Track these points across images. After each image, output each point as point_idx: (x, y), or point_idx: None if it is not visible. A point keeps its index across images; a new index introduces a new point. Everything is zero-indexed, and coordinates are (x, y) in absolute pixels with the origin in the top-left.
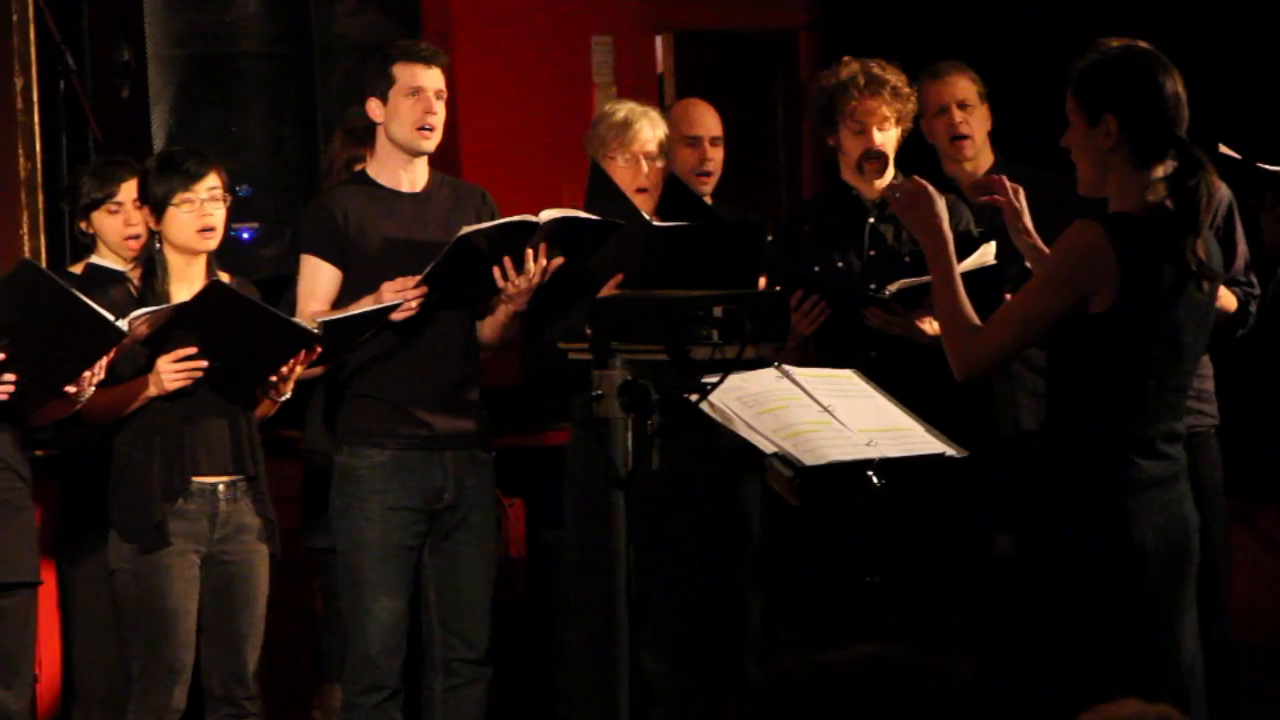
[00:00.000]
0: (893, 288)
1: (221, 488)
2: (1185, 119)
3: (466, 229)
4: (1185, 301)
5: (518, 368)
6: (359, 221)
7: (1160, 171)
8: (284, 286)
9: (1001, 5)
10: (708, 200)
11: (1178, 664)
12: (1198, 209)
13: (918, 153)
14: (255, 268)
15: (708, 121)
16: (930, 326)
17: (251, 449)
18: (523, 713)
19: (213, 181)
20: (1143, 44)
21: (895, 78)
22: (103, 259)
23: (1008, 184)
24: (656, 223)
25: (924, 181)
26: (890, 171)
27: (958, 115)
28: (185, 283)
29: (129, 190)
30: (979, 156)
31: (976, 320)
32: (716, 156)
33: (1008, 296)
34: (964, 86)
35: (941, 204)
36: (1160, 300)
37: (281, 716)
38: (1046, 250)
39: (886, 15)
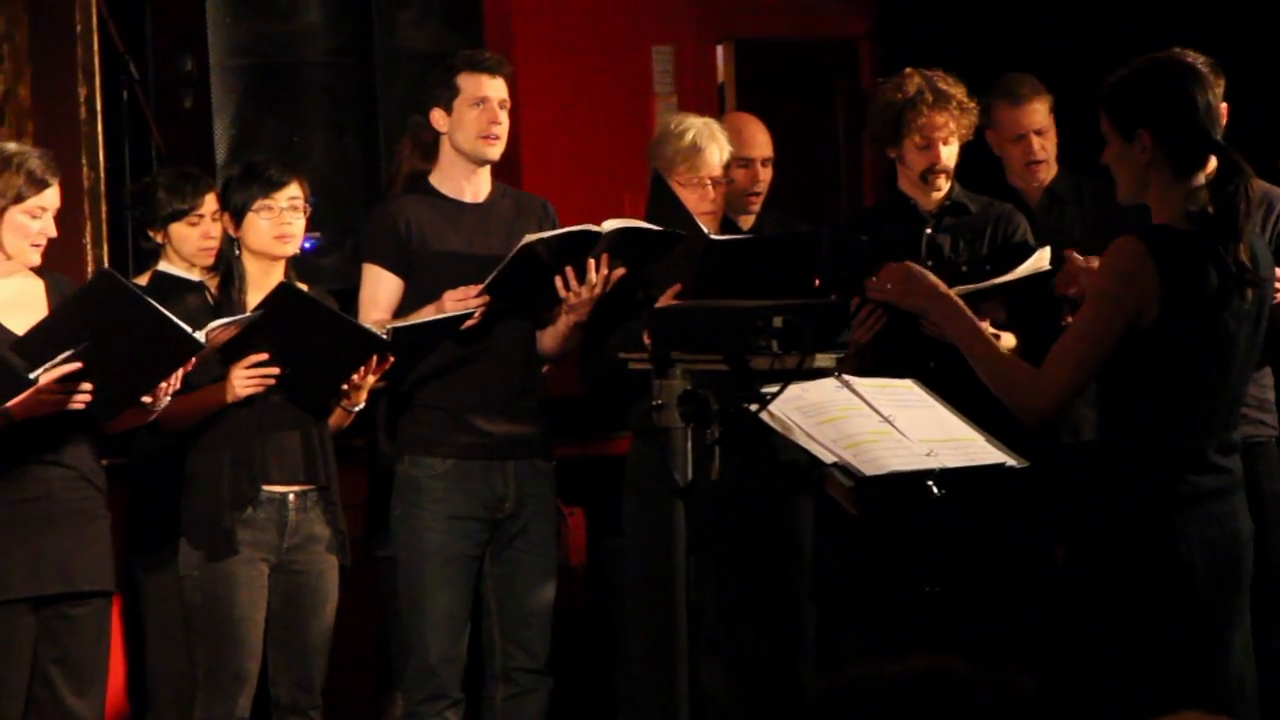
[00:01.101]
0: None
1: (292, 497)
2: (1220, 126)
3: (530, 238)
4: (1233, 311)
5: (577, 377)
6: (421, 231)
7: (1200, 179)
8: (347, 299)
9: (1061, 12)
10: (749, 220)
11: (1225, 677)
12: (1237, 215)
13: (979, 162)
14: (316, 277)
15: (760, 141)
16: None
17: (324, 459)
18: None
19: (294, 191)
20: (1172, 55)
21: (959, 91)
22: (170, 267)
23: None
24: (714, 235)
25: (898, 265)
26: (947, 184)
27: (1036, 143)
28: (262, 291)
29: (210, 203)
30: (1046, 174)
31: (1025, 365)
32: (766, 177)
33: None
34: (1041, 113)
35: (927, 275)
36: (1204, 311)
37: None
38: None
39: (946, 24)
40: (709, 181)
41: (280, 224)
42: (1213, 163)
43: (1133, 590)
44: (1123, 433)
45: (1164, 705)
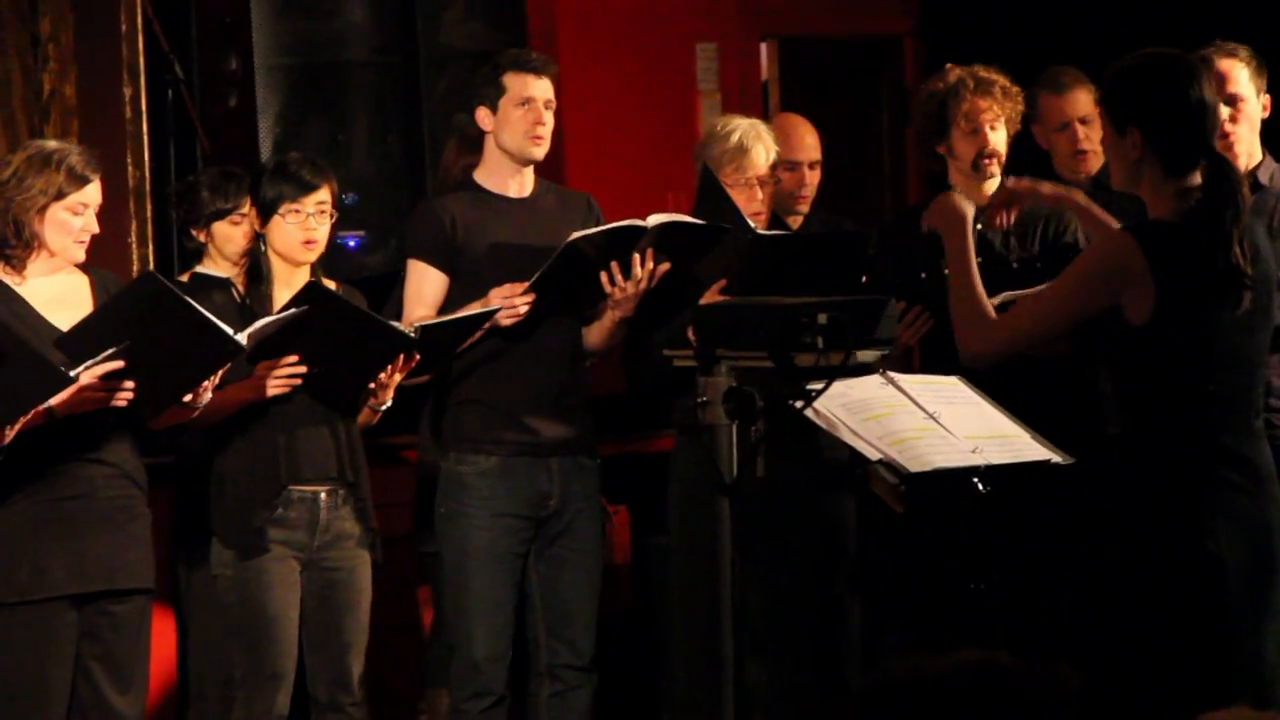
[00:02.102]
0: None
1: (323, 495)
2: (1216, 125)
3: (575, 235)
4: (1231, 304)
5: (622, 374)
6: (467, 227)
7: (1195, 178)
8: (388, 284)
9: (1106, 7)
10: (798, 220)
11: (1258, 673)
12: (1224, 221)
13: (1027, 155)
14: (359, 275)
15: (808, 144)
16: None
17: (352, 457)
18: (628, 719)
19: (322, 196)
20: (1172, 51)
21: (1002, 79)
22: (209, 268)
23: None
24: (761, 231)
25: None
26: (999, 174)
27: (1080, 131)
28: (289, 289)
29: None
30: (1094, 164)
31: (987, 309)
32: (814, 180)
33: None
34: (1085, 101)
35: (953, 196)
36: (1201, 305)
37: None
38: (1080, 197)
39: (990, 20)
40: (756, 182)
41: (305, 229)
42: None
43: (1163, 587)
44: (1139, 431)
45: (1198, 701)
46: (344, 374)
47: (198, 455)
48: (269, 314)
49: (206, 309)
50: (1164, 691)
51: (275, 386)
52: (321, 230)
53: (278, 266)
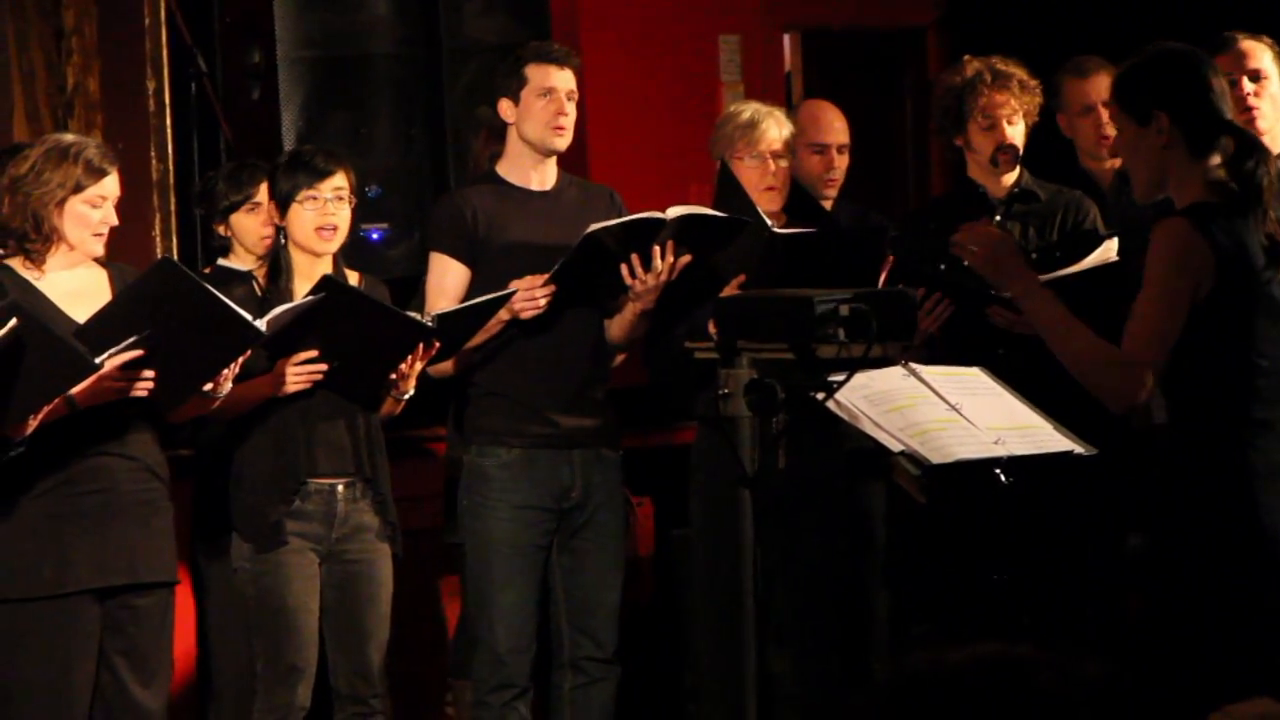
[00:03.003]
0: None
1: (340, 488)
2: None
3: (594, 226)
4: (1271, 276)
5: (643, 367)
6: (489, 220)
7: (1216, 160)
8: (412, 287)
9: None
10: (828, 205)
11: None
12: (1261, 190)
13: (1051, 146)
14: (384, 268)
15: (836, 128)
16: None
17: (370, 450)
18: (651, 711)
19: (339, 181)
20: (1180, 44)
21: (1020, 71)
22: (232, 263)
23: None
24: (777, 228)
25: (989, 228)
26: (1017, 167)
27: (1104, 114)
28: (309, 282)
29: (266, 190)
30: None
31: (1112, 348)
32: (842, 165)
33: None
34: (1108, 85)
35: (1014, 249)
36: (1253, 279)
37: (414, 713)
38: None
39: (1014, 11)
40: (769, 155)
41: (324, 214)
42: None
43: (1217, 569)
44: (1191, 411)
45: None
46: (364, 366)
47: (217, 448)
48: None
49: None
50: (1215, 676)
51: (295, 382)
52: (340, 216)
53: (298, 260)
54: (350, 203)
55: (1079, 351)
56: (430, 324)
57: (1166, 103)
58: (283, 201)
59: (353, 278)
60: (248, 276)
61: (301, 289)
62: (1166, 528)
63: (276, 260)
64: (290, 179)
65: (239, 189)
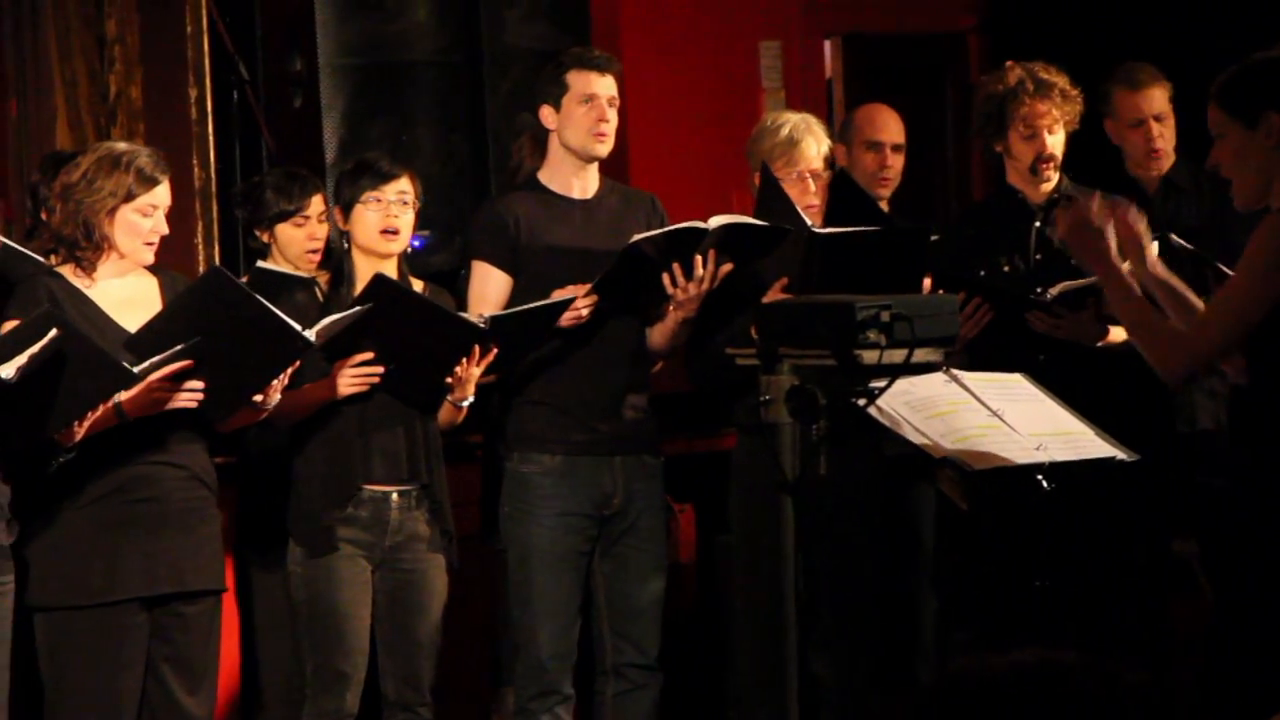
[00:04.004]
0: (1054, 291)
1: (395, 496)
2: None
3: (637, 237)
4: None
5: (685, 373)
6: (530, 228)
7: None
8: (445, 282)
9: (1169, 2)
10: (884, 204)
11: None
12: None
13: (1097, 152)
14: (426, 275)
15: (891, 128)
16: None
17: (428, 457)
18: (693, 717)
19: (403, 185)
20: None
21: (1061, 80)
22: (272, 264)
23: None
24: (818, 229)
25: (1088, 210)
26: (1056, 175)
27: (1155, 129)
28: None
29: (317, 204)
30: (1166, 163)
31: (1174, 324)
32: (896, 164)
33: None
34: (1160, 99)
35: (1111, 238)
36: None
37: None
38: (1172, 279)
39: (1056, 15)
40: (808, 175)
41: (387, 217)
42: None
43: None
44: (1262, 414)
45: None
46: (419, 369)
47: (264, 455)
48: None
49: (288, 308)
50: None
51: (350, 385)
52: (404, 219)
53: (360, 265)
54: (413, 208)
55: (1144, 324)
56: (483, 325)
57: (1277, 102)
58: (346, 206)
59: (417, 285)
60: (310, 283)
61: None
62: (1230, 531)
63: (340, 267)
64: (354, 183)
65: (289, 199)
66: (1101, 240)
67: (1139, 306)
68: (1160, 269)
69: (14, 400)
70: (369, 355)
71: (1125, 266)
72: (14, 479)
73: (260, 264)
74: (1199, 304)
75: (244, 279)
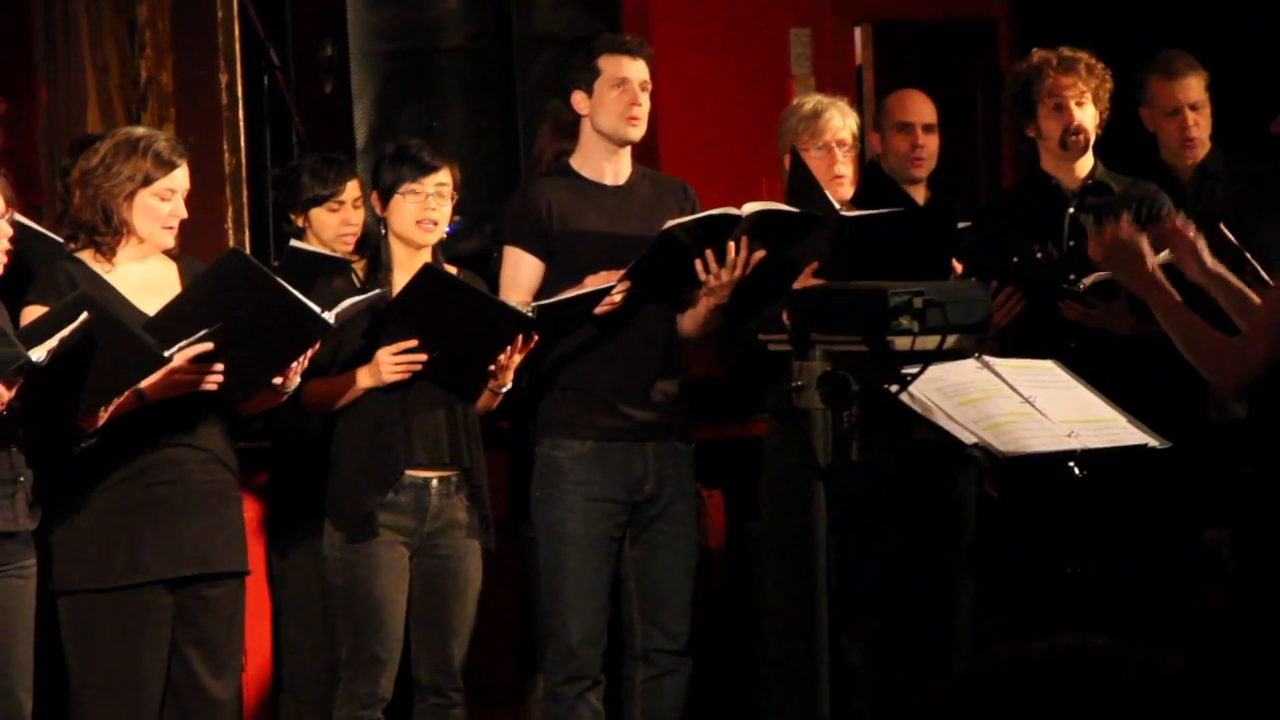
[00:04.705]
0: (1087, 281)
1: (435, 482)
2: None
3: (670, 223)
4: None
5: (716, 359)
6: (562, 214)
7: None
8: (475, 265)
9: None
10: (923, 188)
11: None
12: None
13: (1130, 139)
14: (457, 261)
15: (921, 109)
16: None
17: (468, 443)
18: (723, 703)
19: (443, 177)
20: None
21: (1086, 55)
22: (305, 244)
23: (1186, 229)
24: (846, 212)
25: (1120, 230)
26: (1090, 157)
27: (1190, 117)
28: (408, 274)
29: (352, 189)
30: (1200, 152)
31: (1221, 335)
32: (929, 144)
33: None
34: (1196, 87)
35: (1148, 255)
36: None
37: (485, 704)
38: (1230, 276)
39: (1087, 3)
40: (834, 145)
41: (425, 209)
42: None
43: None
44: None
45: None
46: (463, 357)
47: (294, 440)
48: (388, 300)
49: (323, 293)
50: None
51: (394, 371)
52: (441, 211)
53: (398, 251)
54: (452, 199)
55: (1192, 339)
56: (530, 314)
57: None
58: (385, 193)
59: (451, 271)
60: (347, 267)
61: (401, 281)
62: (1252, 522)
63: (377, 253)
64: (394, 172)
65: (325, 184)
66: (1139, 260)
67: (1184, 320)
68: (1219, 267)
69: (44, 384)
70: (413, 342)
71: (1162, 258)
72: (38, 464)
73: (294, 243)
74: (1256, 299)
75: (277, 261)
